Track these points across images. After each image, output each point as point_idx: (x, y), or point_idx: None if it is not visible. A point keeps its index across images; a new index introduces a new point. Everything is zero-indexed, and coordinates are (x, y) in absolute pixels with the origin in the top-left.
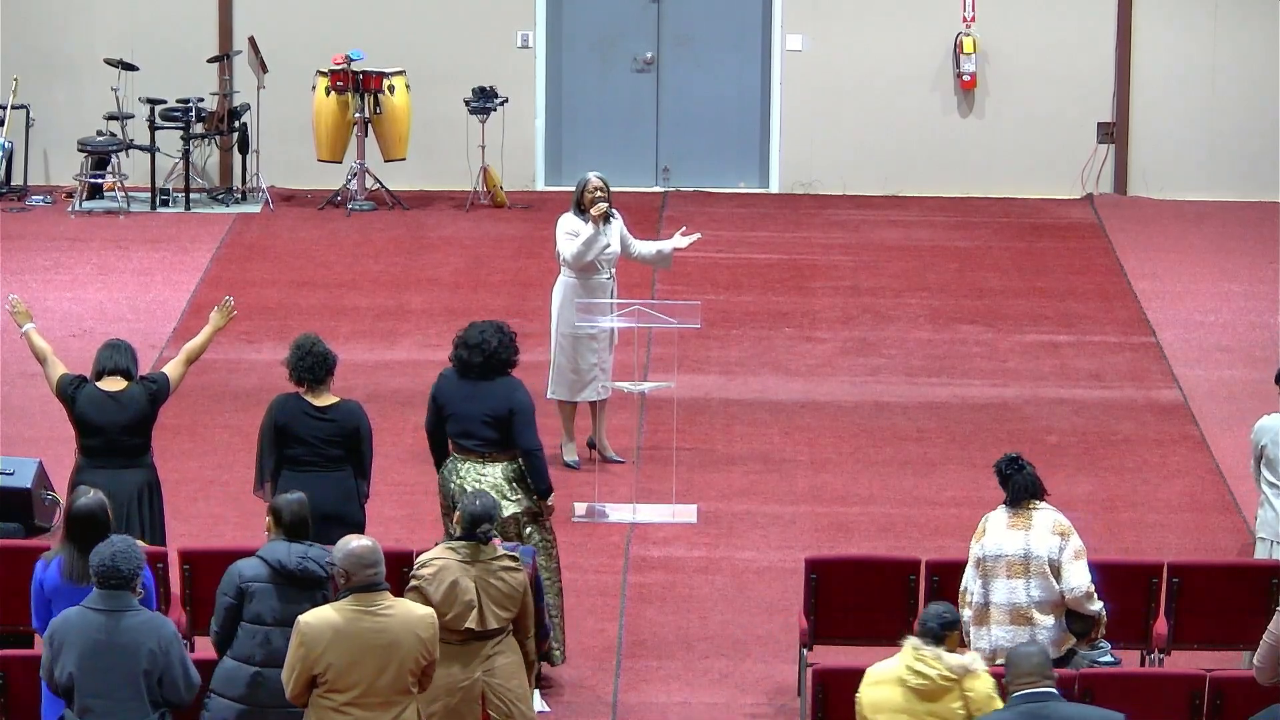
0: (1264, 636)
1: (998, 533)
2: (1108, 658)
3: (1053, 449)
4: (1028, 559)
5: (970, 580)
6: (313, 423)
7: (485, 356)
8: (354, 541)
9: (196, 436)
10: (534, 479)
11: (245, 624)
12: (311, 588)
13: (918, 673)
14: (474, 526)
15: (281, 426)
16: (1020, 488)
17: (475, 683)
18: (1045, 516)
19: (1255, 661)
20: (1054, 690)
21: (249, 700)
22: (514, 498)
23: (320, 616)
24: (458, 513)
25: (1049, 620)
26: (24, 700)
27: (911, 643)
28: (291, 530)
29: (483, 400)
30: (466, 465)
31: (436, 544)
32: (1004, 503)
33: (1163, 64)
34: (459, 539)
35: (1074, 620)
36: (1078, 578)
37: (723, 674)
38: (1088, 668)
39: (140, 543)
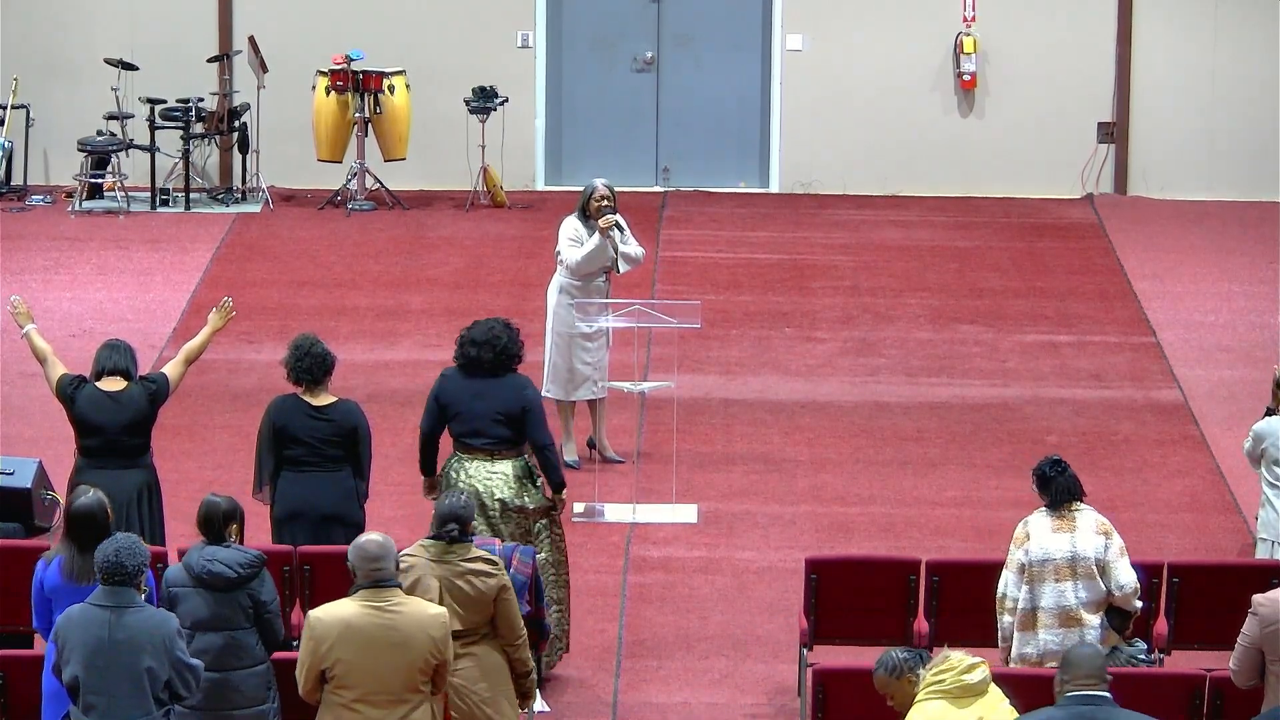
0: (1239, 639)
1: (1042, 536)
2: (1143, 657)
3: (1053, 449)
4: (1074, 561)
5: (1011, 586)
6: (311, 423)
7: (496, 353)
8: (364, 537)
9: (196, 436)
10: (549, 473)
11: None
12: (227, 590)
13: (961, 684)
14: (441, 525)
15: (280, 427)
16: (1063, 489)
17: None
18: (1088, 517)
19: (1232, 665)
20: (1108, 695)
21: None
22: (529, 493)
23: (330, 611)
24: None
25: (1096, 619)
26: (24, 700)
27: (931, 675)
28: (201, 531)
29: (493, 398)
30: (475, 464)
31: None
32: (1045, 506)
33: (1163, 64)
34: (430, 538)
35: (1114, 617)
36: (1126, 575)
37: (723, 674)
38: (1128, 663)
39: None
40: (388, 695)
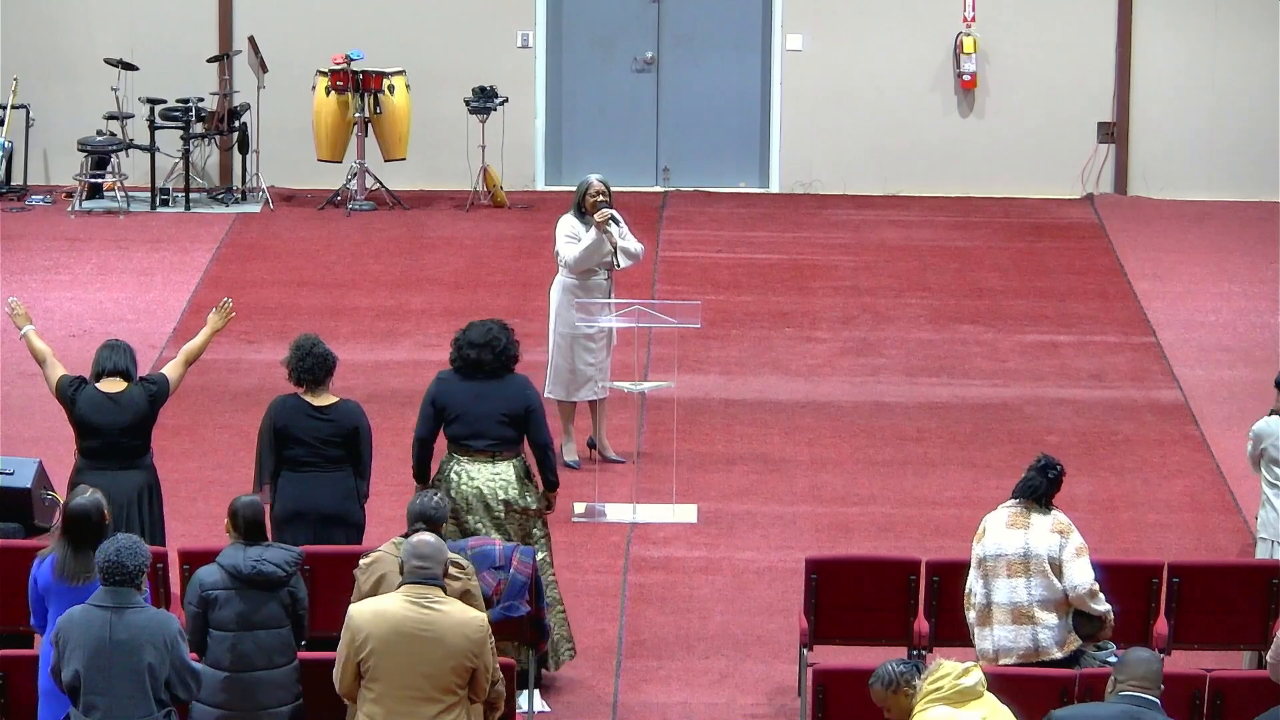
0: (1278, 633)
1: (997, 532)
2: (1114, 659)
3: (1053, 449)
4: (1027, 558)
5: (973, 581)
6: (312, 423)
7: (496, 354)
8: (418, 535)
9: (196, 436)
10: (547, 472)
11: (213, 630)
12: (272, 589)
13: (959, 688)
14: (410, 524)
15: (281, 428)
16: (1027, 486)
17: None
18: (1046, 516)
19: (1270, 659)
20: (1158, 702)
21: (226, 705)
22: (530, 493)
23: (369, 604)
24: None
25: (1052, 619)
26: (24, 700)
27: (927, 683)
28: (247, 533)
29: (495, 399)
30: (476, 466)
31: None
32: (1011, 497)
33: (1163, 64)
34: (403, 536)
35: (1082, 622)
36: (1079, 575)
37: (723, 674)
38: (1096, 668)
39: None
40: (416, 692)
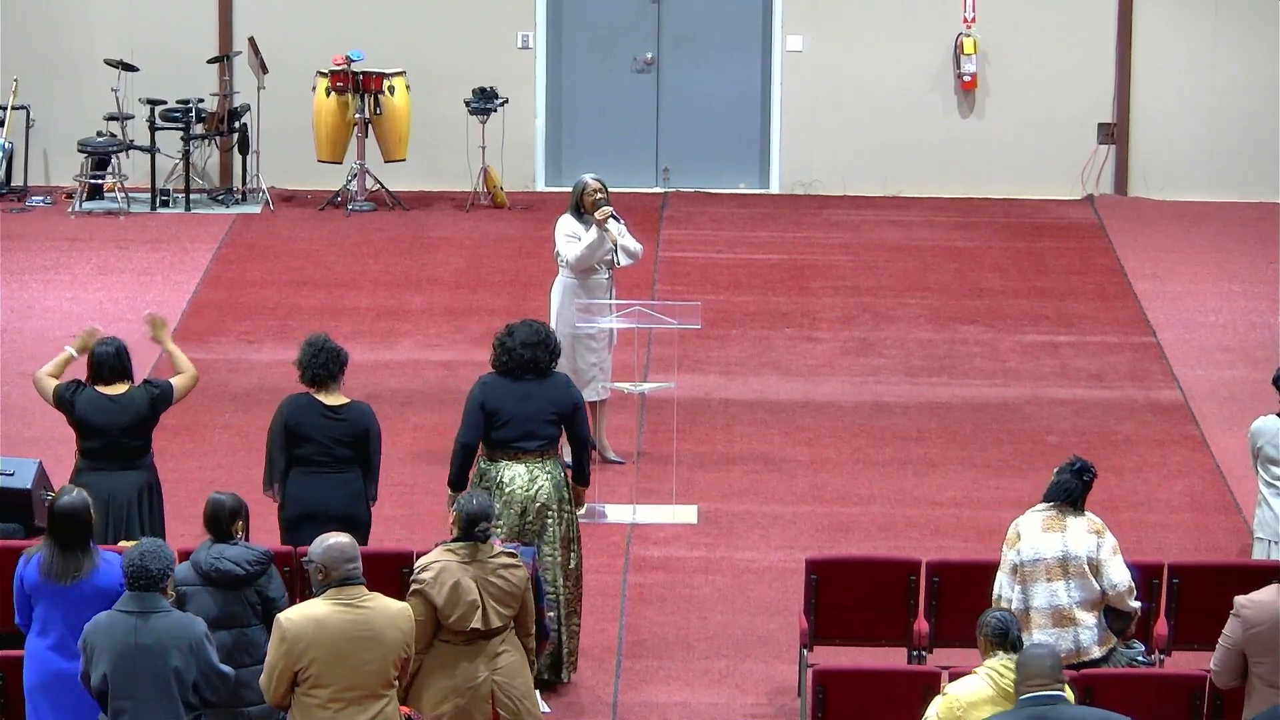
0: (1220, 640)
1: (1033, 537)
2: (1142, 659)
3: (1053, 449)
4: (1065, 560)
5: (1005, 587)
6: (324, 422)
7: (550, 351)
8: (332, 538)
9: (196, 436)
10: (584, 466)
11: None
12: (235, 587)
13: (1008, 693)
14: (472, 526)
15: (292, 426)
16: (1067, 489)
17: (484, 682)
18: (1079, 518)
19: (1213, 666)
20: (1062, 693)
21: None
22: (569, 490)
23: (300, 612)
24: (455, 512)
25: (1091, 619)
26: (24, 700)
27: (1000, 660)
28: (207, 529)
29: (543, 399)
30: (528, 469)
31: (436, 545)
32: (1042, 500)
33: (1163, 64)
34: (457, 540)
35: (1113, 618)
36: (1118, 574)
37: (723, 674)
38: (1128, 665)
39: None
40: (362, 692)
